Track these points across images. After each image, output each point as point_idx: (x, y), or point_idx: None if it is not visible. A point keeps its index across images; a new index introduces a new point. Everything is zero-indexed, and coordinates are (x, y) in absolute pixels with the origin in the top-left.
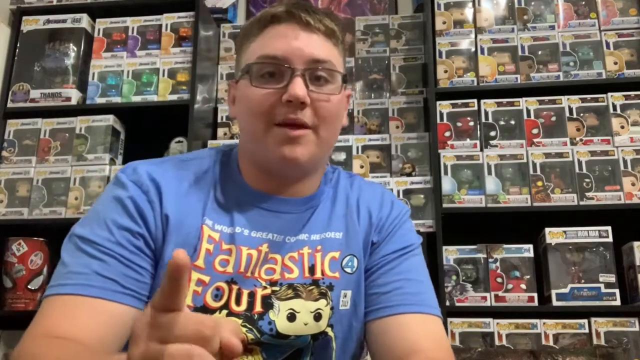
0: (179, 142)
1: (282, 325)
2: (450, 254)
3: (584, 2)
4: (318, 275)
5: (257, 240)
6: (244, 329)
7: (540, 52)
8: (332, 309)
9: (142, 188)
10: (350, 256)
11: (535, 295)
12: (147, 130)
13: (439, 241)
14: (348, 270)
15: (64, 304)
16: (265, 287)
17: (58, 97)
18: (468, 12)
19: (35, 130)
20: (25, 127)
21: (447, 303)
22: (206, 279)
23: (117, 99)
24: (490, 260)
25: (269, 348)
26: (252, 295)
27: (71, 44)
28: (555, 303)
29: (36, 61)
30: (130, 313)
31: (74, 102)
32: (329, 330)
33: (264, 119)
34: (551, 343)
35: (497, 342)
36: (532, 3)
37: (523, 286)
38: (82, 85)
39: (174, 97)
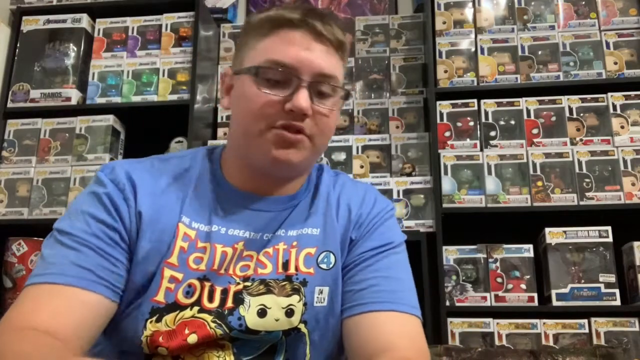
0: (179, 142)
1: (252, 320)
2: (450, 254)
3: (584, 2)
4: (291, 271)
5: (233, 238)
6: (214, 325)
7: (540, 52)
8: (305, 304)
9: (119, 186)
10: (326, 252)
11: (535, 295)
12: (147, 130)
13: (439, 241)
14: (323, 266)
15: (39, 293)
16: (238, 284)
17: (58, 97)
18: (468, 12)
19: (35, 130)
20: (25, 127)
21: (447, 303)
22: (179, 276)
23: (117, 99)
24: (490, 260)
25: (240, 344)
26: (225, 292)
27: (71, 44)
28: (555, 303)
29: (36, 61)
30: (104, 303)
31: (74, 102)
32: (302, 326)
33: (265, 121)
34: (551, 343)
35: (497, 342)
36: (532, 3)
37: (523, 286)
38: (82, 85)
39: (174, 97)
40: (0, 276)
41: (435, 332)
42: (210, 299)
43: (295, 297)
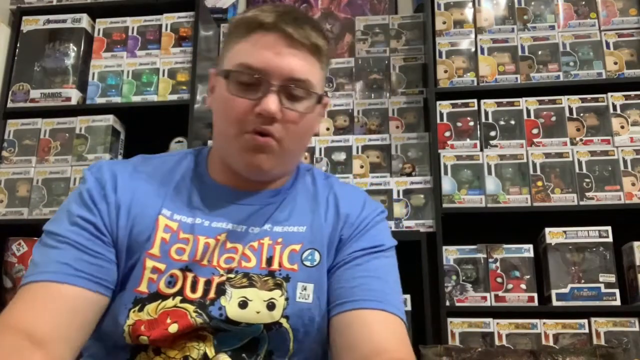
0: (179, 142)
1: (232, 311)
2: (450, 254)
3: (584, 2)
4: (275, 267)
5: (216, 230)
6: (195, 314)
7: (540, 52)
8: (287, 299)
9: (101, 183)
10: (311, 250)
11: (535, 295)
12: (147, 130)
13: (439, 241)
14: (307, 263)
15: (23, 293)
16: (222, 275)
17: (58, 97)
18: (468, 12)
19: (35, 130)
20: (25, 127)
21: (447, 303)
22: (162, 266)
23: (117, 99)
24: (490, 260)
25: (222, 336)
26: (208, 283)
27: (71, 44)
28: (555, 303)
29: (36, 61)
30: (86, 295)
31: (74, 102)
32: (283, 321)
33: (236, 126)
34: (551, 343)
35: (497, 342)
36: (532, 3)
37: (523, 286)
38: (82, 85)
39: (174, 97)
40: (0, 276)
41: (435, 332)
42: (193, 289)
43: (277, 292)
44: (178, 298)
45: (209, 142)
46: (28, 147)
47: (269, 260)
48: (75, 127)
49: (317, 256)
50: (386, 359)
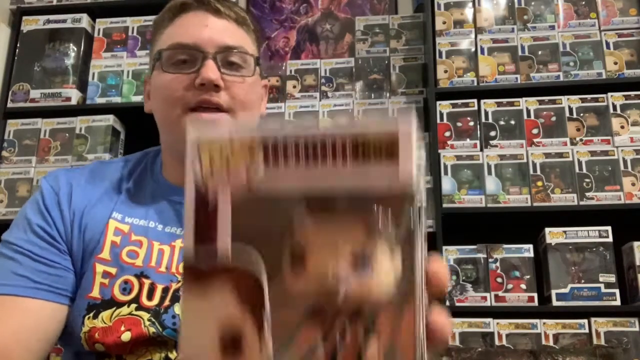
0: None
1: None
2: (450, 254)
3: (584, 2)
4: None
5: (170, 236)
6: (148, 323)
7: (540, 52)
8: None
9: (55, 190)
10: None
11: (535, 295)
12: (147, 130)
13: (439, 241)
14: None
15: None
16: (179, 281)
17: (58, 97)
18: (468, 12)
19: (35, 130)
20: (25, 127)
21: (447, 303)
22: (112, 270)
23: (117, 99)
24: (490, 260)
25: None
26: (166, 291)
27: (71, 44)
28: (555, 303)
29: (36, 61)
30: (48, 307)
31: (74, 102)
32: None
33: (179, 104)
34: (551, 343)
35: (497, 342)
36: (532, 3)
37: (523, 286)
38: (82, 85)
39: None
40: None
41: None
42: (150, 297)
43: None
44: (133, 305)
45: None
46: (28, 147)
47: None
48: (75, 127)
49: None
50: None
